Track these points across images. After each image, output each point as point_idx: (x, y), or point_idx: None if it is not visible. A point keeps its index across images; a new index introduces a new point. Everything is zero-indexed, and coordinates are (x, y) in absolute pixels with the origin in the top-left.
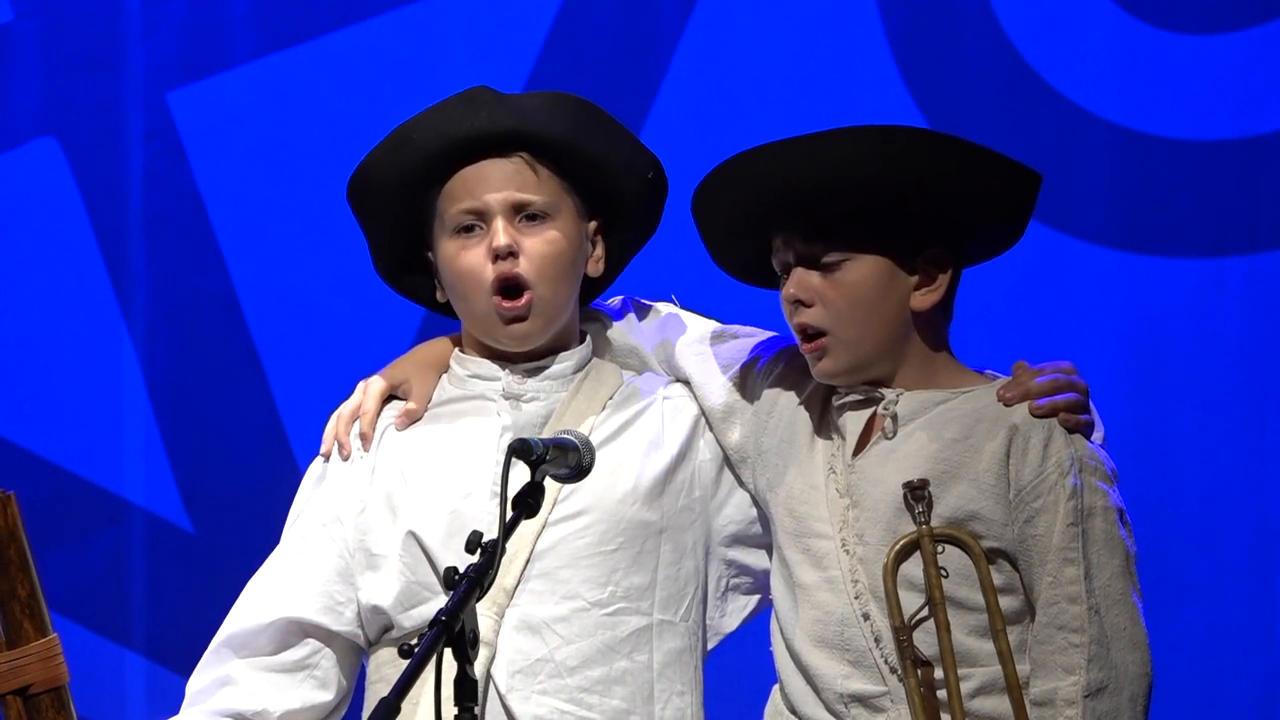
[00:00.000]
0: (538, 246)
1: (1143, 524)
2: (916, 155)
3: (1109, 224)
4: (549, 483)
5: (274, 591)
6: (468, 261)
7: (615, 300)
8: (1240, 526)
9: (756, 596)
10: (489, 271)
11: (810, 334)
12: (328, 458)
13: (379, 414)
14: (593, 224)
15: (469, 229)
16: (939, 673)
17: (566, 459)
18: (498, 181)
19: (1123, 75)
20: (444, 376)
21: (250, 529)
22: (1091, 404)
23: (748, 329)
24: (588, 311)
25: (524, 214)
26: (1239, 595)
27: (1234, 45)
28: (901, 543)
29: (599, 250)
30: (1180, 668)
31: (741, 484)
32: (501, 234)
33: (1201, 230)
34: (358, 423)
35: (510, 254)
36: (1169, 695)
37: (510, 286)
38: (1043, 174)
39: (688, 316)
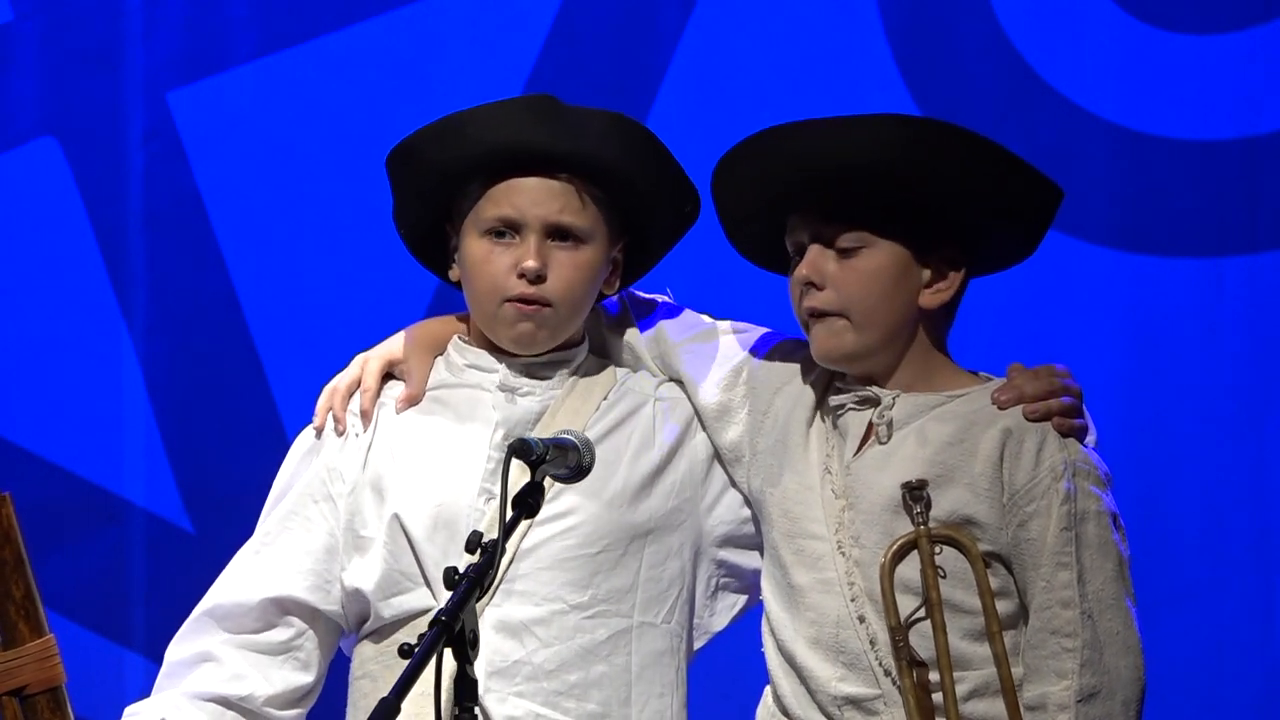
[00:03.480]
0: (566, 270)
1: (1143, 524)
2: (948, 148)
3: (1109, 224)
4: (545, 480)
5: (262, 568)
6: (493, 268)
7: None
8: (1240, 526)
9: (745, 596)
10: (512, 285)
11: (818, 314)
12: (320, 431)
13: (379, 393)
14: (619, 245)
15: (500, 233)
16: (934, 674)
17: (566, 459)
18: (542, 199)
19: (1123, 75)
20: (439, 359)
21: (250, 529)
22: (1084, 407)
23: (742, 325)
24: None
25: (559, 235)
26: (1239, 595)
27: (1234, 45)
28: (899, 543)
29: (618, 270)
30: (1180, 668)
31: (734, 484)
32: (533, 256)
33: (1201, 230)
34: (355, 398)
35: (539, 277)
36: (1169, 695)
37: (527, 299)
38: (1064, 191)
39: (682, 312)
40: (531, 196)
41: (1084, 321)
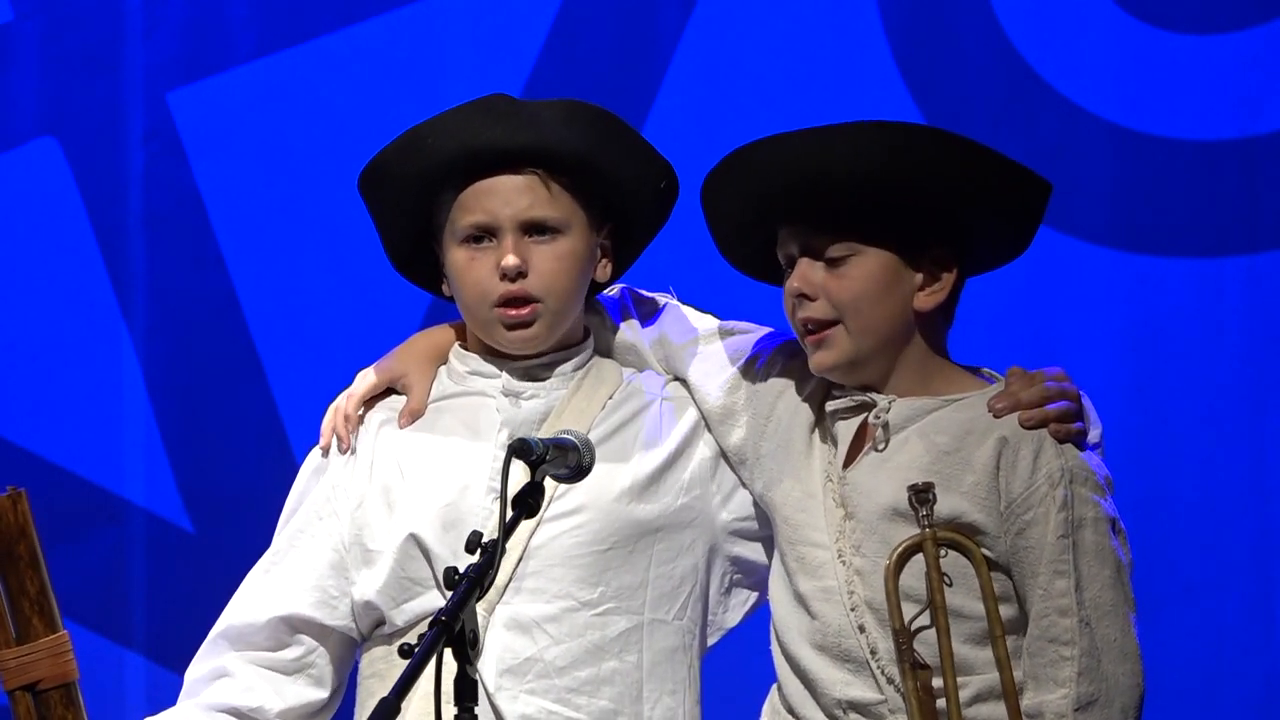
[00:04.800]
0: (547, 262)
1: (1143, 524)
2: (926, 152)
3: (1109, 224)
4: (546, 480)
5: (270, 587)
6: (475, 274)
7: (614, 290)
8: (1240, 526)
9: (757, 592)
10: (496, 287)
11: (812, 328)
12: (326, 451)
13: (365, 399)
14: (603, 232)
15: (478, 239)
16: (937, 679)
17: (566, 459)
18: (510, 197)
19: (1123, 75)
20: (442, 369)
21: (250, 529)
22: (1088, 402)
23: (745, 325)
24: (588, 303)
25: (535, 230)
26: (1239, 595)
27: (1234, 45)
28: (905, 545)
29: (608, 256)
30: (1180, 668)
31: (743, 484)
32: (511, 254)
33: (1201, 230)
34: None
35: (519, 274)
36: (1169, 696)
37: (516, 299)
38: (1053, 184)
39: (686, 312)
40: (500, 196)
41: (1084, 321)
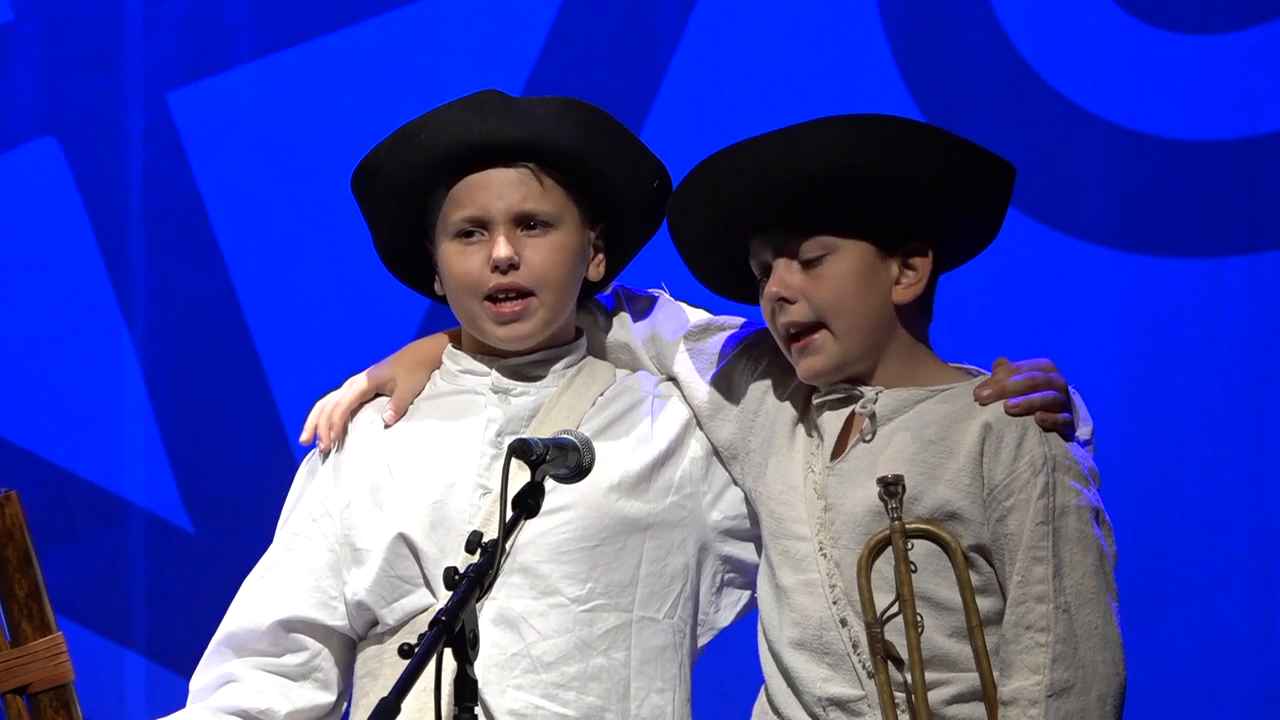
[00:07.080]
0: (539, 256)
1: (1143, 523)
2: (890, 143)
3: (1109, 224)
4: (545, 480)
5: (270, 591)
6: (467, 267)
7: (607, 291)
8: (1240, 526)
9: (749, 591)
10: (488, 279)
11: (795, 332)
12: (315, 451)
13: (352, 406)
14: (596, 230)
15: (469, 233)
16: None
17: (566, 459)
18: (503, 191)
19: (1123, 75)
20: (436, 373)
21: (250, 529)
22: (1079, 400)
23: (735, 319)
24: (581, 303)
25: (527, 223)
26: (1239, 595)
27: (1234, 45)
28: (876, 539)
29: (601, 255)
30: (1180, 668)
31: (735, 481)
32: (503, 246)
33: (1201, 230)
34: (354, 414)
35: (511, 266)
36: (1169, 696)
37: (508, 293)
38: (1017, 166)
39: (677, 307)
40: (492, 190)
41: (1084, 321)
